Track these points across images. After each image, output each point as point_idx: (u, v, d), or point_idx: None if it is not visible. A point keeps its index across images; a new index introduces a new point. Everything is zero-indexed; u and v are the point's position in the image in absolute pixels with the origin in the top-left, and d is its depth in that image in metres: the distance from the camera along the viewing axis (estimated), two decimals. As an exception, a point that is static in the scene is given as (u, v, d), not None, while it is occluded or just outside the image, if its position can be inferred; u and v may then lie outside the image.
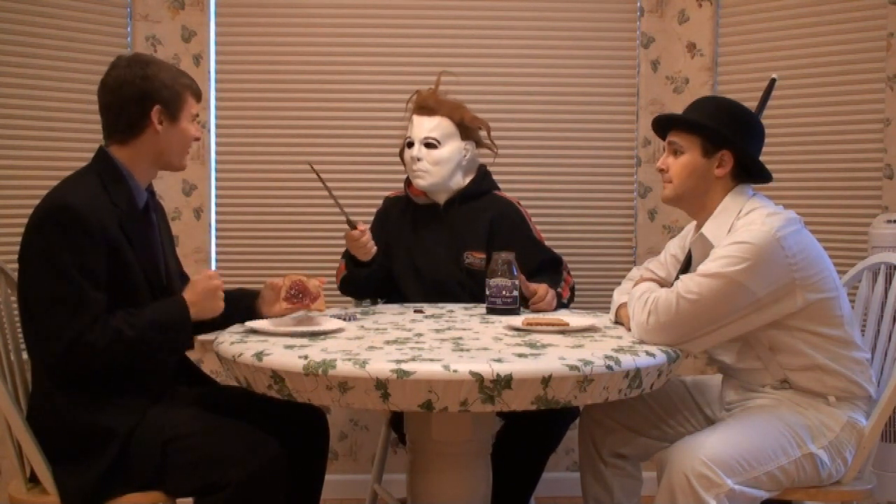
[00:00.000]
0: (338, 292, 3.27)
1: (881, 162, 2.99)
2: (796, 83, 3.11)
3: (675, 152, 2.15)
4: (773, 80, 2.41)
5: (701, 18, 3.34)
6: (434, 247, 2.75)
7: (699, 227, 2.17)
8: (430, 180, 2.73)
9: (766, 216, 2.02)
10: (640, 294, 2.11)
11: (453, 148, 2.74)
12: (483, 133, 2.82)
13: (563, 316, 2.38)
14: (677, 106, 3.34)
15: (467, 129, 2.78)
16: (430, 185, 2.73)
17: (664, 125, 2.21)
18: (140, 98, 2.06)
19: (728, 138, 2.09)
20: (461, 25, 3.34)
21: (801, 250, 2.00)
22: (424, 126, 2.73)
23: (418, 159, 2.70)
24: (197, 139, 2.18)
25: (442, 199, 2.79)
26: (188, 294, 2.04)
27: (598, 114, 3.39)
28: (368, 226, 2.72)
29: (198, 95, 2.16)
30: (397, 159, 3.25)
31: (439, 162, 2.72)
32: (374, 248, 2.62)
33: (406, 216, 2.82)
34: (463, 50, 3.34)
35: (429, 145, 2.72)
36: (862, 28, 3.03)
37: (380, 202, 2.93)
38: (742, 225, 2.04)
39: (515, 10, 3.34)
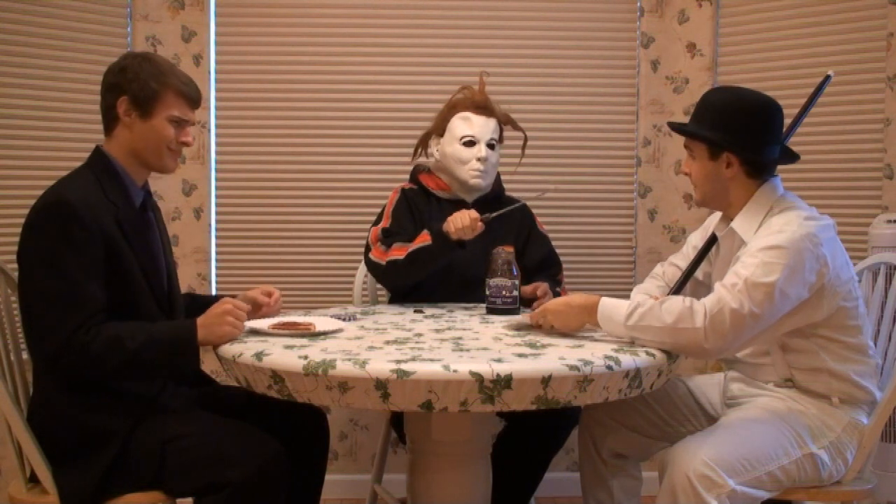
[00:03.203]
0: (336, 292, 3.29)
1: (881, 162, 2.99)
2: (796, 83, 3.11)
3: (692, 156, 2.16)
4: (827, 77, 2.38)
5: (701, 18, 3.34)
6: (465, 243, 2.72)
7: (726, 218, 2.17)
8: (487, 181, 2.75)
9: (804, 219, 2.00)
10: (669, 318, 1.95)
11: (498, 151, 2.80)
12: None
13: None
14: (677, 106, 3.34)
15: (501, 133, 2.82)
16: (486, 185, 2.76)
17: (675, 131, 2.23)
18: (111, 88, 2.07)
19: (723, 144, 2.08)
20: (461, 25, 3.34)
21: (834, 258, 2.00)
22: (490, 127, 2.74)
23: (485, 159, 2.70)
24: (185, 144, 2.13)
25: (471, 197, 2.78)
26: (201, 317, 2.01)
27: (598, 114, 3.39)
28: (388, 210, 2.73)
29: (187, 98, 2.12)
30: (398, 158, 3.26)
31: (496, 164, 2.78)
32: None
33: (431, 210, 2.77)
34: (462, 50, 3.34)
35: (491, 146, 2.74)
36: (862, 28, 3.03)
37: (379, 200, 2.91)
38: (777, 224, 2.02)
39: (515, 10, 3.34)
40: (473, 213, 2.49)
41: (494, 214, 2.52)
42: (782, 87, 3.09)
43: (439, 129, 2.80)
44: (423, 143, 2.86)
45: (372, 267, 2.67)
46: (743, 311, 1.93)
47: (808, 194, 3.11)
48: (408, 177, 2.91)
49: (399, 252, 2.59)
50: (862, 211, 3.03)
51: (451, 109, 2.78)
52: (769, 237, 1.99)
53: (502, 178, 2.92)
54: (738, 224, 2.12)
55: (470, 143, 2.72)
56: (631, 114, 3.40)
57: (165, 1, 3.25)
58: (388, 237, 2.67)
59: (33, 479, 2.02)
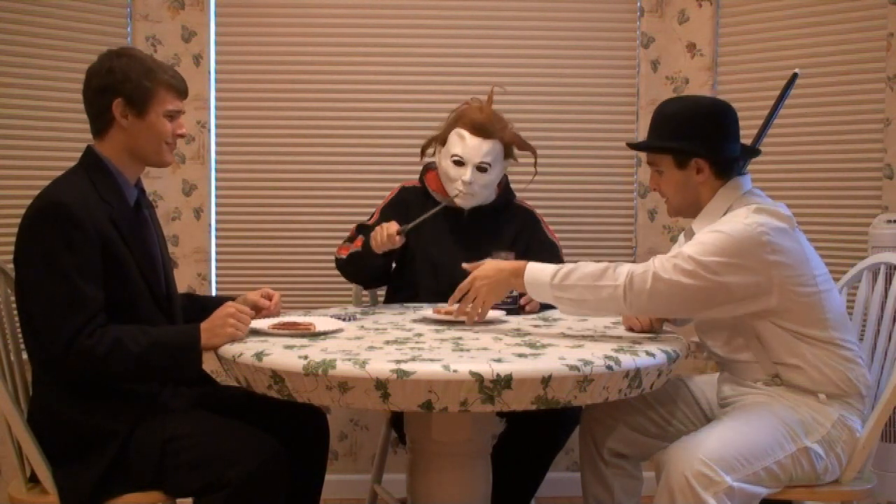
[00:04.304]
0: (336, 292, 3.29)
1: (881, 162, 2.99)
2: (796, 83, 3.10)
3: (657, 171, 2.19)
4: (794, 75, 2.43)
5: (701, 18, 3.34)
6: (455, 247, 2.72)
7: None
8: (473, 202, 2.71)
9: (753, 211, 2.04)
10: (591, 271, 2.04)
11: (499, 169, 2.74)
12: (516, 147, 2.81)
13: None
14: (677, 106, 3.34)
15: (510, 149, 2.77)
16: (472, 205, 2.72)
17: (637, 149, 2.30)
18: (102, 91, 2.04)
19: (691, 151, 2.11)
20: (460, 26, 3.34)
21: (784, 249, 2.01)
22: (482, 150, 2.66)
23: (469, 183, 2.66)
24: (181, 136, 2.13)
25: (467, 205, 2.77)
26: (205, 322, 2.01)
27: (598, 114, 3.39)
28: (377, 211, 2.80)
29: (177, 91, 2.10)
30: (397, 159, 3.27)
31: (487, 185, 2.71)
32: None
33: (426, 211, 2.74)
34: (462, 50, 3.34)
35: (482, 169, 2.68)
36: (862, 28, 3.03)
37: (378, 201, 2.91)
38: (728, 218, 2.07)
39: (515, 10, 3.34)
40: (392, 228, 2.52)
41: (410, 226, 2.53)
42: (782, 87, 3.09)
43: (442, 137, 2.77)
44: (431, 146, 2.85)
45: (334, 259, 2.80)
46: (667, 277, 1.98)
47: (808, 194, 3.13)
48: (408, 177, 2.91)
49: (344, 252, 2.72)
50: (862, 211, 3.03)
51: (455, 121, 2.74)
52: (716, 225, 2.04)
53: (514, 187, 2.90)
54: (697, 223, 2.16)
55: (459, 163, 2.68)
56: (631, 114, 3.40)
57: (165, 1, 3.25)
58: (358, 233, 2.73)
59: (33, 479, 2.02)
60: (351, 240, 2.74)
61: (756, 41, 3.25)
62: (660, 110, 2.22)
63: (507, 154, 2.76)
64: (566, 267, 2.07)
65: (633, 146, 2.29)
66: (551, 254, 2.78)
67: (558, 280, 2.06)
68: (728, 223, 2.02)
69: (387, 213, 2.76)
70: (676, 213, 2.23)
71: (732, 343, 2.15)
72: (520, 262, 2.15)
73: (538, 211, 2.90)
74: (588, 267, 2.06)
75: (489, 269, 2.17)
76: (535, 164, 2.83)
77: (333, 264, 2.83)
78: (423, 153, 2.86)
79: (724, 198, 2.13)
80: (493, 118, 2.71)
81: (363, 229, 2.73)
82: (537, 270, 2.10)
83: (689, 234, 2.18)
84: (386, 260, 2.64)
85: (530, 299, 2.49)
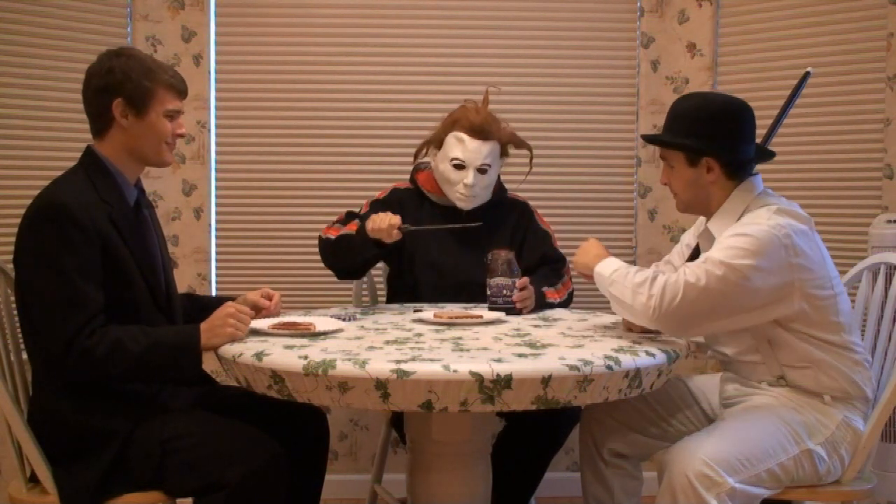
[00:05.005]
0: (336, 292, 3.29)
1: (881, 162, 2.99)
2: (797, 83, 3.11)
3: (669, 165, 2.19)
4: (807, 74, 2.41)
5: (701, 18, 3.34)
6: (455, 247, 2.72)
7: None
8: (475, 203, 2.71)
9: (774, 212, 2.03)
10: (637, 279, 2.04)
11: (497, 168, 2.74)
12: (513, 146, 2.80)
13: (481, 311, 2.38)
14: (677, 106, 3.34)
15: (505, 148, 2.76)
16: (474, 206, 2.72)
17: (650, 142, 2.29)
18: (102, 90, 2.04)
19: (703, 150, 2.10)
20: (461, 26, 3.34)
21: (805, 252, 2.00)
22: (482, 152, 2.66)
23: (471, 186, 2.66)
24: (180, 136, 2.12)
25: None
26: (204, 322, 2.01)
27: (598, 114, 3.39)
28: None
29: (177, 91, 2.10)
30: (397, 159, 3.27)
31: (488, 186, 2.72)
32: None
33: (423, 212, 2.76)
34: (462, 50, 3.34)
35: (482, 171, 2.68)
36: (862, 28, 3.03)
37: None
38: (749, 218, 2.06)
39: (515, 10, 3.34)
40: (395, 220, 2.46)
41: (413, 228, 2.50)
42: (782, 87, 3.09)
43: (437, 140, 2.76)
44: (423, 151, 2.84)
45: (318, 239, 2.72)
46: (698, 284, 1.96)
47: (807, 194, 3.13)
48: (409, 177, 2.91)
49: (334, 232, 2.64)
50: (862, 211, 3.03)
51: (451, 125, 2.72)
52: (740, 227, 2.03)
53: (508, 185, 2.90)
54: (713, 224, 2.14)
55: (459, 167, 2.67)
56: (631, 114, 3.40)
57: (165, 1, 3.25)
58: (348, 218, 2.70)
59: (33, 479, 2.02)
60: (342, 223, 2.69)
61: (756, 41, 3.25)
62: (676, 105, 2.19)
63: (503, 153, 2.77)
64: (626, 268, 2.09)
65: (648, 139, 2.26)
66: (544, 241, 2.80)
67: (615, 277, 2.08)
68: (751, 225, 2.01)
69: (378, 208, 2.73)
70: (686, 208, 2.22)
71: (741, 344, 2.15)
72: (605, 252, 2.19)
73: (532, 204, 2.90)
74: (641, 272, 2.05)
75: (593, 246, 2.23)
76: (530, 161, 2.83)
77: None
78: (416, 158, 2.85)
79: (739, 199, 2.12)
80: (489, 119, 2.71)
81: (353, 216, 2.71)
82: (609, 262, 2.14)
83: (706, 236, 2.16)
84: (373, 254, 2.58)
85: (522, 297, 2.50)
